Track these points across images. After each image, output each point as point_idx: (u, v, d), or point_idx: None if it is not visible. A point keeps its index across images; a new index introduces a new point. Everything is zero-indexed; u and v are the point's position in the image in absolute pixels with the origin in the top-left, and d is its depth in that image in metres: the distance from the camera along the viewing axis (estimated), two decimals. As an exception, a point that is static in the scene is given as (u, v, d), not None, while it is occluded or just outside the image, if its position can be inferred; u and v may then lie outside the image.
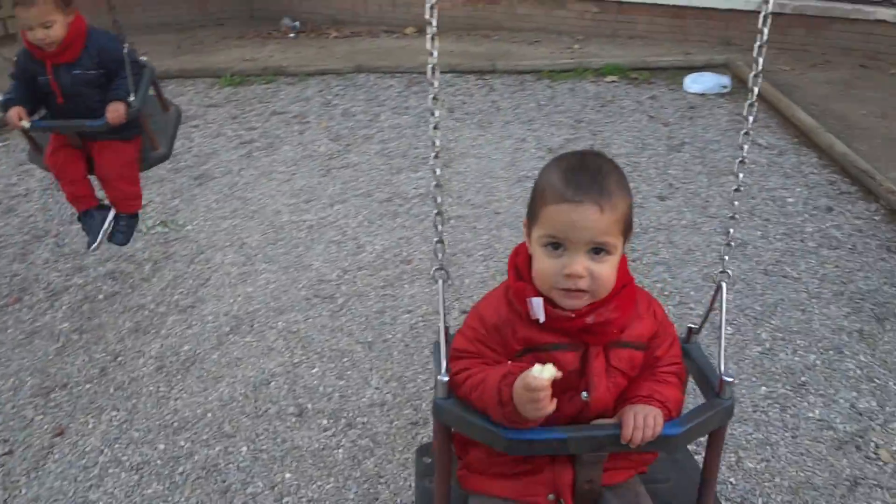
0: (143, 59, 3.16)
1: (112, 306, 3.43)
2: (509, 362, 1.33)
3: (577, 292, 1.30)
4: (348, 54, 7.35)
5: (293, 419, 2.72)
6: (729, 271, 1.53)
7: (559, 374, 1.21)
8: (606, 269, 1.31)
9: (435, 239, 1.45)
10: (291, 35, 8.44)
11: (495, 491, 1.42)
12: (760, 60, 1.39)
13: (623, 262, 1.38)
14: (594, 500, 1.41)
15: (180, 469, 2.52)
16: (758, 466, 2.47)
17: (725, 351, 1.43)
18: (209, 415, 2.75)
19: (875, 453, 2.51)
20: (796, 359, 2.95)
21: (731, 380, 1.38)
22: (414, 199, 4.34)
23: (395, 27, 8.50)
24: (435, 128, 1.44)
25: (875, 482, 2.41)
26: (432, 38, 1.41)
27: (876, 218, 3.99)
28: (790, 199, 4.23)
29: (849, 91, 5.89)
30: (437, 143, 1.45)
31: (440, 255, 1.46)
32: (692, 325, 1.61)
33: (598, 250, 1.30)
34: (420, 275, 3.59)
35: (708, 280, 3.49)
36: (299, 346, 3.11)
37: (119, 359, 3.08)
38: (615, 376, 1.38)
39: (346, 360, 3.01)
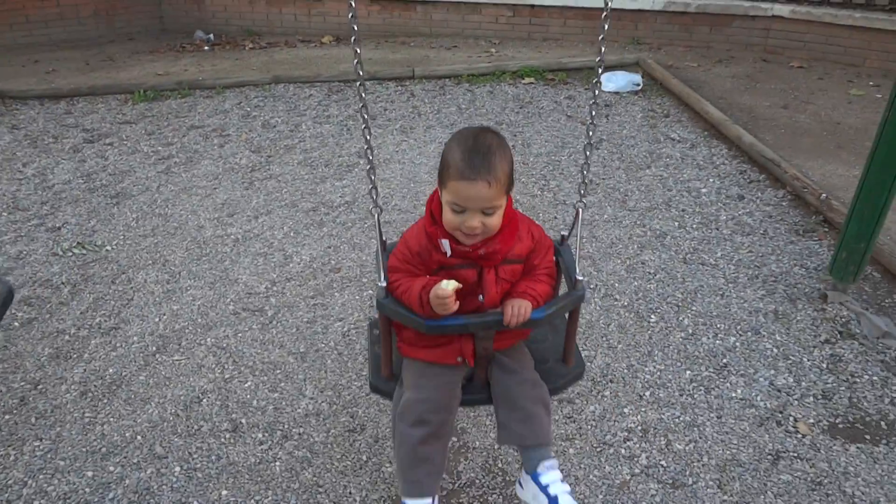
0: None
1: (29, 333, 3.29)
2: (427, 276, 1.85)
3: (473, 235, 1.80)
4: (265, 65, 7.26)
5: (227, 435, 2.66)
6: (584, 201, 2.06)
7: (459, 286, 1.75)
8: (494, 220, 1.80)
9: (369, 186, 1.95)
10: (206, 48, 8.28)
11: (421, 356, 1.99)
12: (603, 49, 1.95)
13: (508, 204, 1.84)
14: (488, 360, 1.99)
15: (111, 495, 2.43)
16: (686, 448, 2.56)
17: (578, 260, 2.01)
18: (139, 437, 2.67)
19: (794, 427, 2.64)
20: (717, 342, 3.07)
21: (581, 278, 1.95)
22: (340, 207, 4.33)
23: (312, 37, 8.45)
24: (362, 100, 1.97)
25: (795, 454, 2.53)
26: (356, 41, 1.90)
27: (784, 204, 4.20)
28: (704, 190, 4.41)
29: (753, 84, 6.19)
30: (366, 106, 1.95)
31: (375, 196, 1.95)
32: (563, 234, 2.15)
33: (488, 210, 1.77)
34: (350, 282, 3.57)
35: (632, 271, 3.60)
36: (230, 361, 3.05)
37: (39, 387, 2.95)
38: (502, 284, 1.91)
39: (278, 372, 2.97)
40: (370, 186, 1.95)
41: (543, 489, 1.87)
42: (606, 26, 1.93)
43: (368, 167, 1.93)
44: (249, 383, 2.92)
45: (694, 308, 3.30)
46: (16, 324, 3.35)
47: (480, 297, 1.88)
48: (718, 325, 3.18)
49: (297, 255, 3.84)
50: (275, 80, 6.68)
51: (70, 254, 3.91)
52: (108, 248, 3.97)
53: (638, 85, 6.16)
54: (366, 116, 1.94)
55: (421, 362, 1.98)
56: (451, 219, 1.78)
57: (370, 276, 3.60)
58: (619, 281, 3.53)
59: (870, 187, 3.07)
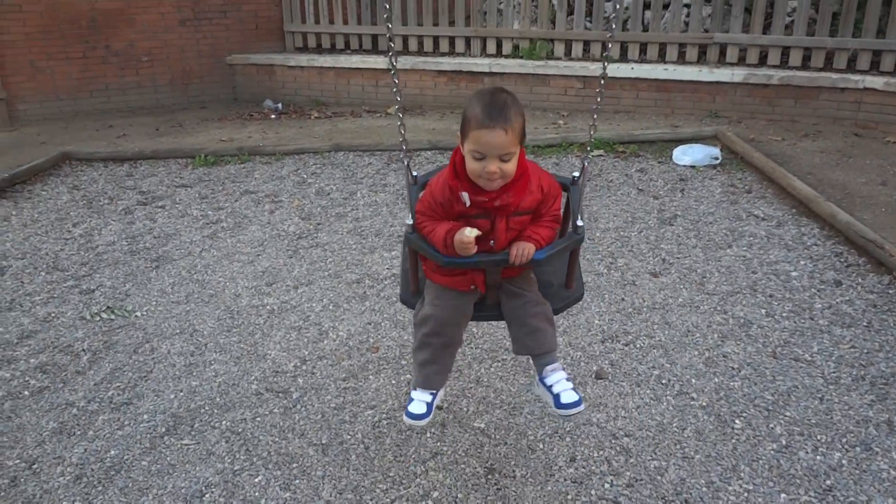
0: None
1: (38, 403, 3.02)
2: (451, 222, 2.10)
3: (493, 180, 2.01)
4: (328, 133, 7.17)
5: (226, 542, 2.28)
6: (591, 157, 2.39)
7: (479, 233, 2.04)
8: (510, 166, 2.01)
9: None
10: (273, 116, 8.31)
11: (441, 282, 2.26)
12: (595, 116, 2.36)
13: (521, 156, 2.07)
14: (497, 287, 2.26)
15: None
16: None
17: (580, 207, 2.25)
18: (127, 537, 2.31)
19: (924, 576, 2.07)
20: (819, 458, 2.53)
21: (580, 224, 2.19)
22: (386, 280, 4.00)
23: (378, 107, 8.38)
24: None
25: None
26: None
27: (890, 291, 3.64)
28: (794, 273, 3.89)
29: (844, 160, 5.66)
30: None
31: (404, 141, 2.31)
32: (575, 175, 2.38)
33: (505, 157, 1.98)
34: (387, 364, 3.20)
35: (712, 366, 3.11)
36: (243, 449, 2.69)
37: (35, 466, 2.65)
38: (511, 233, 2.15)
39: (294, 466, 2.59)
40: (400, 138, 2.29)
41: (549, 388, 2.22)
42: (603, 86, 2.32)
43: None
44: (260, 478, 2.54)
45: (787, 413, 2.77)
46: (26, 392, 3.10)
47: (492, 242, 2.14)
48: (819, 437, 2.63)
49: (334, 330, 3.50)
50: (335, 147, 6.54)
51: (98, 318, 3.68)
52: (139, 313, 3.73)
53: (716, 158, 5.72)
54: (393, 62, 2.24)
55: (440, 286, 2.26)
56: (473, 166, 2.01)
57: (409, 359, 3.22)
58: (697, 376, 3.03)
59: None
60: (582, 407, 2.14)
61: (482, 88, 2.06)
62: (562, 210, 2.33)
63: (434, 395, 2.29)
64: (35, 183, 5.86)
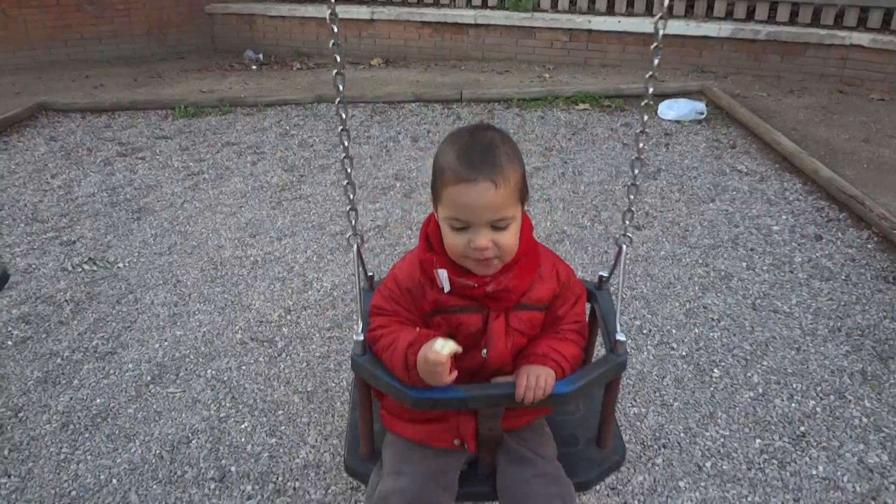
0: None
1: (21, 353, 3.01)
2: (417, 329, 1.39)
3: (486, 260, 1.37)
4: (310, 85, 7.06)
5: (213, 485, 2.31)
6: (630, 236, 1.56)
7: (459, 349, 1.30)
8: (509, 237, 1.37)
9: (347, 207, 1.55)
10: (254, 67, 8.16)
11: (408, 434, 1.54)
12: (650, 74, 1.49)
13: (526, 228, 1.44)
14: (495, 443, 1.52)
15: (71, 551, 2.10)
16: (756, 534, 2.10)
17: (621, 313, 1.51)
18: (114, 481, 2.33)
19: (891, 516, 2.15)
20: (793, 405, 2.59)
21: (622, 339, 1.47)
22: (370, 232, 3.99)
23: (361, 59, 8.25)
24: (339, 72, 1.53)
25: (893, 551, 2.05)
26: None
27: (869, 246, 3.69)
28: (776, 227, 3.93)
29: (829, 116, 5.68)
30: (342, 87, 1.52)
31: (353, 222, 1.54)
32: (602, 274, 1.72)
33: (499, 223, 1.35)
34: (372, 314, 3.22)
35: (692, 316, 3.15)
36: (228, 397, 2.71)
37: (21, 414, 2.66)
38: (515, 336, 1.46)
39: (280, 413, 2.62)
40: (348, 208, 1.55)
41: None
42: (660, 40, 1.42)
43: (346, 182, 1.53)
44: (246, 424, 2.56)
45: (765, 363, 2.83)
46: (9, 342, 3.08)
47: (484, 351, 1.44)
48: (794, 385, 2.70)
49: (318, 281, 3.50)
50: (317, 99, 6.46)
51: (80, 269, 3.65)
52: (121, 265, 3.70)
53: (702, 114, 5.71)
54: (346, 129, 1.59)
55: (406, 441, 1.53)
56: (453, 242, 1.37)
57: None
58: (677, 327, 3.08)
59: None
60: None
61: (458, 128, 1.44)
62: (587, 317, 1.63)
63: None
64: (11, 134, 5.73)
